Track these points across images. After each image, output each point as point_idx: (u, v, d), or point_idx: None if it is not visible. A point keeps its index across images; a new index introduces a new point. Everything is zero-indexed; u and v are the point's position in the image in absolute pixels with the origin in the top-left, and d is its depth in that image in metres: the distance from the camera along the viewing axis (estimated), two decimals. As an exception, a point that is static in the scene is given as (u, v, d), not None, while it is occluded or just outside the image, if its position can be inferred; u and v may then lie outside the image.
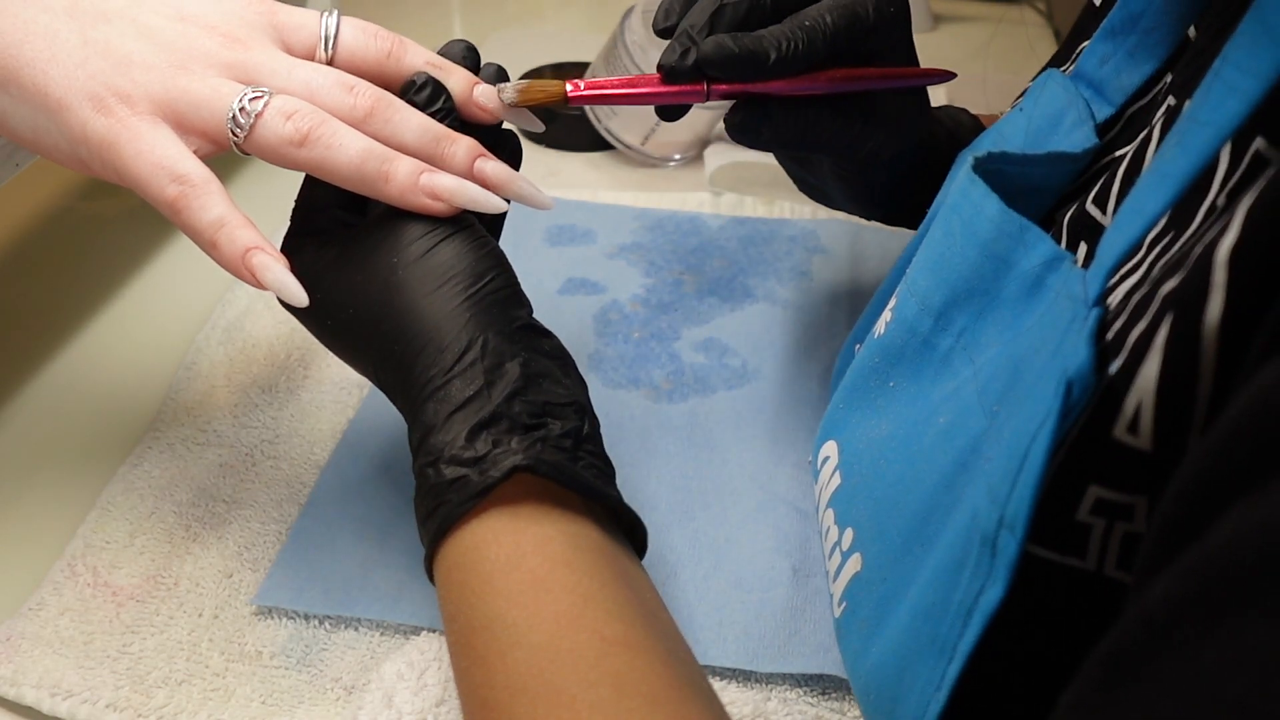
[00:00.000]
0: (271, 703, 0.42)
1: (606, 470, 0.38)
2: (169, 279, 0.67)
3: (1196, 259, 0.27)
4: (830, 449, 0.44)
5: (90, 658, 0.43)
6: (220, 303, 0.63)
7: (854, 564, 0.39)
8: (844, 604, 0.39)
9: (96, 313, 0.63)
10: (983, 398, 0.35)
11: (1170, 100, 0.37)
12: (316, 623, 0.45)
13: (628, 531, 0.39)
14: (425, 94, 0.41)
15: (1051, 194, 0.42)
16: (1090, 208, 0.39)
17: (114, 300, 0.65)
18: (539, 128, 0.45)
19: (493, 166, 0.41)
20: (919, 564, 0.35)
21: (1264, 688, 0.17)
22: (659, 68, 0.43)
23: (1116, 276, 0.34)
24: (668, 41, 0.43)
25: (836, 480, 0.43)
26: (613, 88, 0.44)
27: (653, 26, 0.45)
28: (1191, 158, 0.30)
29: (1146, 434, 0.28)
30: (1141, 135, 0.38)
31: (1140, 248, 0.34)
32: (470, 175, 0.40)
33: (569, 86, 0.43)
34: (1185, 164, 0.30)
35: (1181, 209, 0.32)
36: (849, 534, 0.40)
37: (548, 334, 0.40)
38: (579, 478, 0.36)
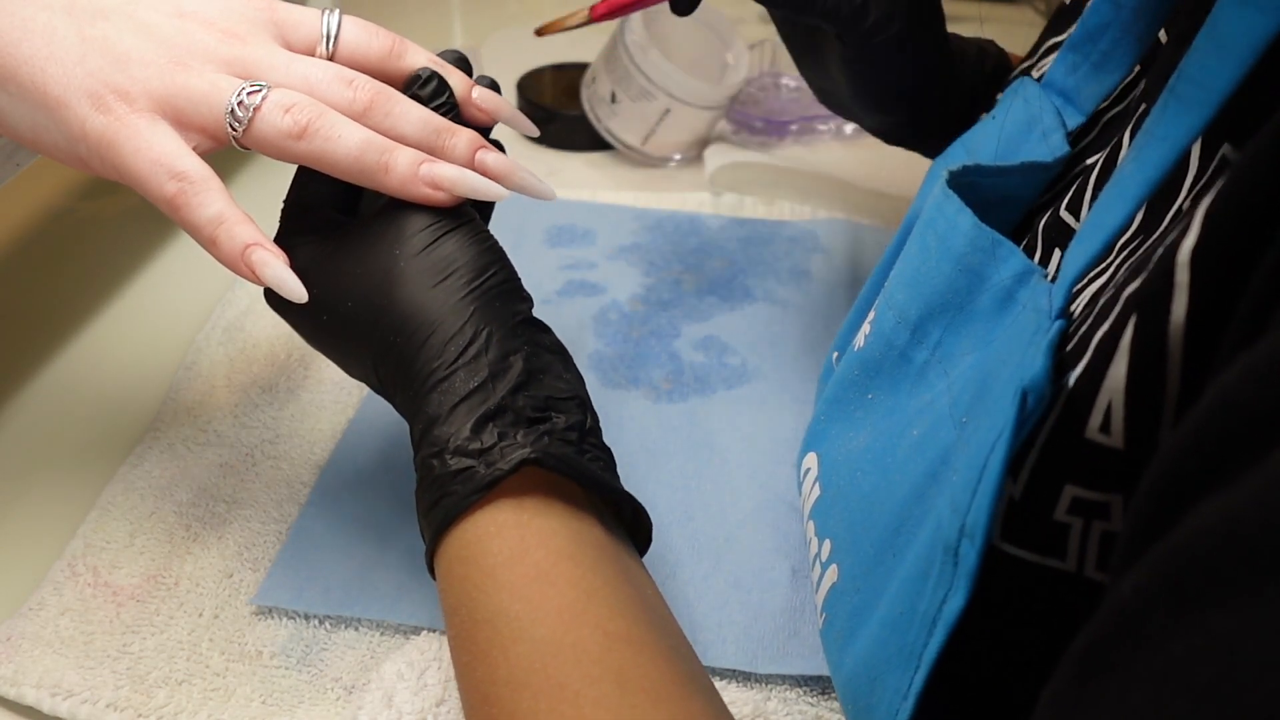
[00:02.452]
0: (271, 703, 0.42)
1: (610, 463, 0.38)
2: (169, 279, 0.67)
3: (1158, 260, 0.28)
4: (811, 460, 0.44)
5: (90, 657, 0.43)
6: (220, 303, 0.63)
7: (831, 575, 0.39)
8: (824, 615, 0.39)
9: (96, 313, 0.63)
10: (953, 409, 0.35)
11: (1142, 108, 0.38)
12: (316, 623, 0.45)
13: (631, 525, 0.39)
14: (431, 87, 0.41)
15: (1023, 203, 0.42)
16: (1064, 214, 0.39)
17: (114, 300, 0.65)
18: (534, 132, 0.46)
19: (494, 157, 0.41)
20: (890, 575, 0.35)
21: (1229, 676, 0.18)
22: None
23: (1084, 281, 0.34)
24: (669, 40, 0.43)
25: (816, 492, 0.43)
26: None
27: None
28: (1148, 172, 0.30)
29: (1118, 433, 0.29)
30: (1114, 142, 0.38)
31: (1103, 259, 0.34)
32: (471, 166, 0.40)
33: (592, 10, 0.50)
34: (1142, 178, 0.30)
35: (1151, 214, 0.33)
36: (827, 545, 0.40)
37: (547, 329, 0.40)
38: (587, 471, 0.36)
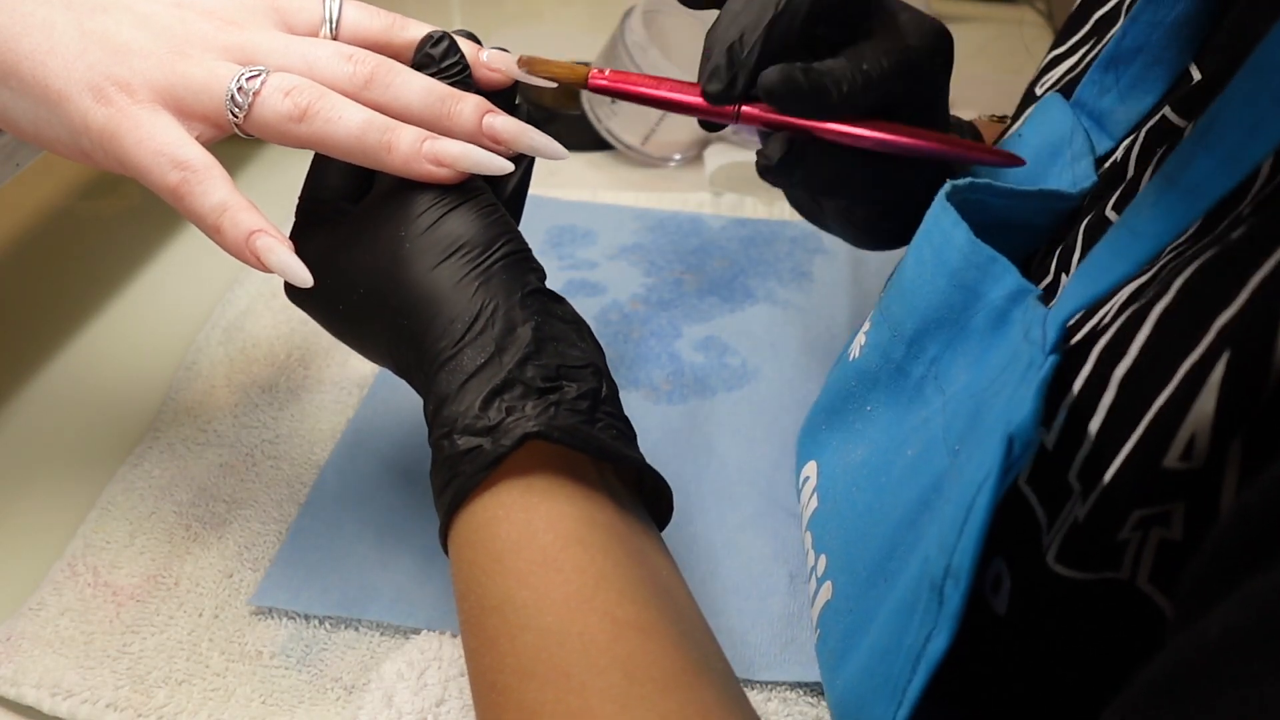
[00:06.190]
0: (271, 703, 0.42)
1: (627, 432, 0.37)
2: (169, 279, 0.67)
3: (1257, 293, 0.26)
4: (811, 469, 0.44)
5: (90, 657, 0.43)
6: (220, 303, 0.63)
7: (826, 592, 0.39)
8: (819, 631, 0.39)
9: (96, 313, 0.63)
10: (947, 434, 0.35)
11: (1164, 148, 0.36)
12: (316, 623, 0.45)
13: (651, 496, 0.38)
14: (443, 46, 0.41)
15: (1040, 231, 0.41)
16: (1110, 214, 0.37)
17: (114, 300, 0.65)
18: (551, 83, 0.44)
19: (502, 121, 0.40)
20: (881, 600, 0.34)
21: None
22: (703, 92, 0.41)
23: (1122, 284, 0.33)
24: (669, 40, 0.42)
25: (814, 503, 0.42)
26: (639, 85, 0.42)
27: None
28: (1168, 223, 0.29)
29: (1200, 459, 0.27)
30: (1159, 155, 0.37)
31: (1105, 302, 0.33)
32: (479, 132, 0.40)
33: (593, 72, 0.42)
34: (1161, 229, 0.29)
35: (1208, 218, 0.31)
36: (823, 561, 0.40)
37: (560, 299, 0.39)
38: (595, 440, 0.35)
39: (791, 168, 0.42)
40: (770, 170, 0.42)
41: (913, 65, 0.41)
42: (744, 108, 0.41)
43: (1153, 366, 0.29)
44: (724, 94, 0.40)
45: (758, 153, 0.42)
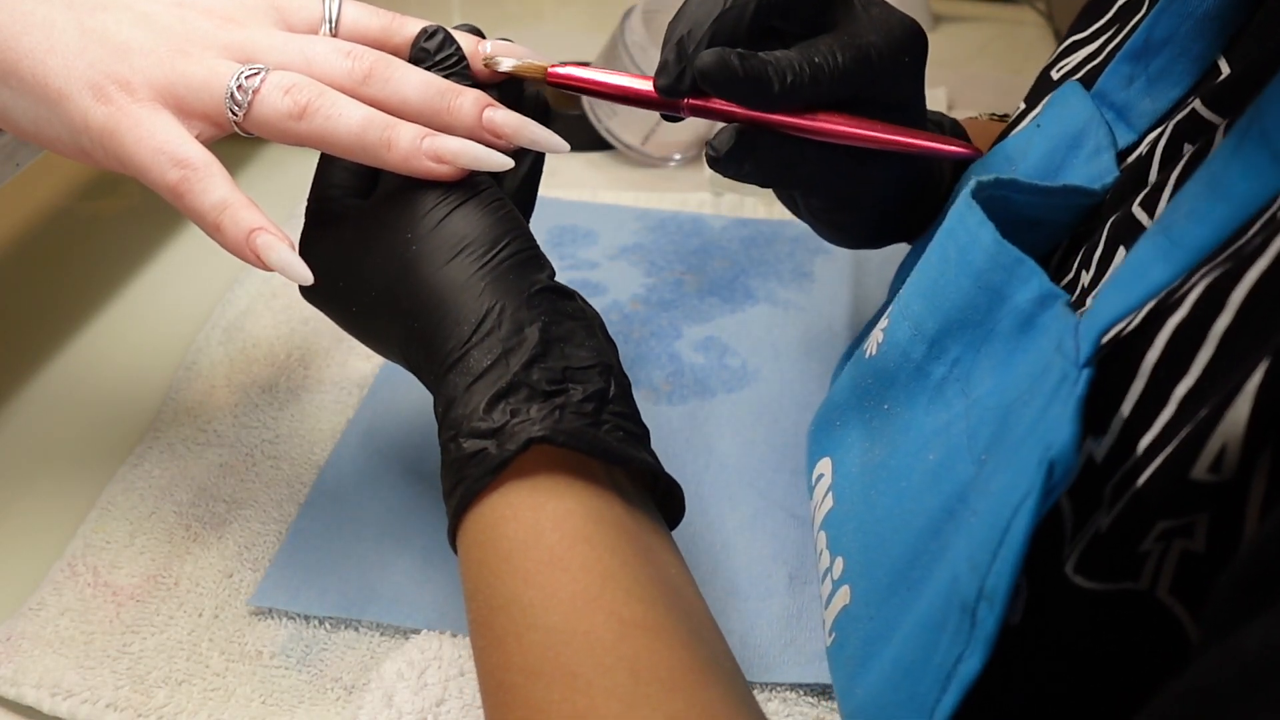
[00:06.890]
0: (271, 703, 0.42)
1: (636, 431, 0.37)
2: (169, 279, 0.67)
3: None
4: (825, 466, 0.43)
5: (90, 658, 0.43)
6: (220, 303, 0.63)
7: (843, 596, 0.38)
8: (833, 635, 0.38)
9: (96, 313, 0.63)
10: (971, 442, 0.34)
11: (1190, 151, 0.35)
12: (316, 623, 0.45)
13: (663, 495, 0.38)
14: (437, 39, 0.41)
15: (1062, 228, 0.40)
16: (1137, 210, 0.36)
17: (114, 300, 0.65)
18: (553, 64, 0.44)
19: (502, 115, 0.40)
20: (904, 608, 0.34)
21: None
22: (655, 83, 0.41)
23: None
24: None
25: (829, 502, 0.42)
26: (597, 78, 0.42)
27: None
28: (1208, 230, 0.28)
29: (1230, 470, 0.26)
30: (1192, 152, 0.36)
31: (1138, 309, 0.32)
32: (479, 126, 0.40)
33: (551, 67, 0.43)
34: (1200, 235, 0.28)
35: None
36: (839, 563, 0.39)
37: (570, 295, 0.39)
38: (600, 443, 0.35)
39: (740, 159, 0.41)
40: (719, 161, 0.41)
41: (870, 62, 0.41)
42: (690, 100, 0.41)
43: (1214, 387, 0.28)
44: (672, 88, 0.40)
45: (707, 143, 0.42)
